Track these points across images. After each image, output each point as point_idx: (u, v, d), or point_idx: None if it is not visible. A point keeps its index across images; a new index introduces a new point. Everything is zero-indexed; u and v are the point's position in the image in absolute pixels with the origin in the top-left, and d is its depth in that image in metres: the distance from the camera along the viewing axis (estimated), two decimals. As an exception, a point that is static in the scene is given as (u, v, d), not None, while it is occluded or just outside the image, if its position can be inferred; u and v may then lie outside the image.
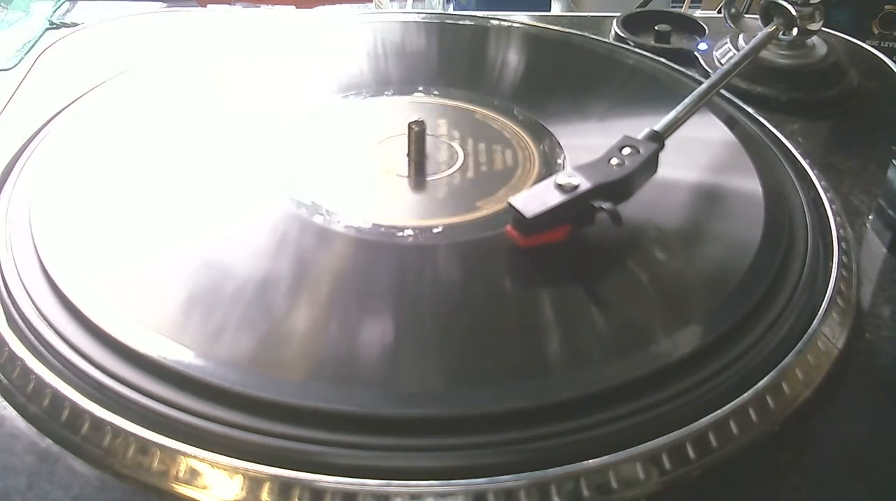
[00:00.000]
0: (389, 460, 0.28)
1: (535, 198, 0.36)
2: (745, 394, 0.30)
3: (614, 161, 0.38)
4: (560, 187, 0.36)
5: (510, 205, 0.36)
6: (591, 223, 0.37)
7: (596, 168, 0.37)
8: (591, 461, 0.28)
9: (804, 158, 0.44)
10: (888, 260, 0.39)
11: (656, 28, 0.57)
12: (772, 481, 0.29)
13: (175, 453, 0.28)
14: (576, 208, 0.36)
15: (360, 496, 0.27)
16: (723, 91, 0.48)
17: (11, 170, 0.41)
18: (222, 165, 0.41)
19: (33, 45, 0.68)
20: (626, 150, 0.38)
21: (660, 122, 0.40)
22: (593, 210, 0.36)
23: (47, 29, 0.72)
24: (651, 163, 0.39)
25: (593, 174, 0.37)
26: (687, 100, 0.42)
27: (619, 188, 0.37)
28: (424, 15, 0.60)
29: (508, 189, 0.40)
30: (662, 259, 0.37)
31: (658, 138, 0.39)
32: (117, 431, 0.28)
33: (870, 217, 0.42)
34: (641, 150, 0.38)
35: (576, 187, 0.36)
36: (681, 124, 0.41)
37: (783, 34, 0.51)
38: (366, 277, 0.35)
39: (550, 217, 0.35)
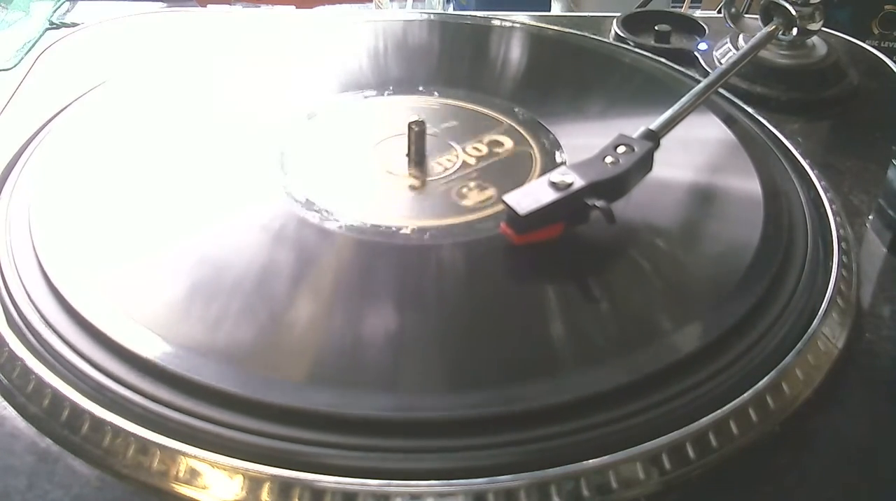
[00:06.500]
0: (389, 460, 0.28)
1: (529, 196, 0.36)
2: (745, 394, 0.30)
3: (609, 159, 0.38)
4: (554, 185, 0.36)
5: (504, 202, 0.36)
6: (586, 221, 0.37)
7: (590, 166, 0.37)
8: (591, 461, 0.28)
9: (804, 158, 0.44)
10: (888, 260, 0.39)
11: (656, 28, 0.57)
12: (772, 481, 0.29)
13: (175, 453, 0.28)
14: (570, 206, 0.36)
15: (360, 496, 0.27)
16: (722, 91, 0.48)
17: (11, 170, 0.41)
18: (221, 165, 0.41)
19: (33, 45, 0.69)
20: (621, 149, 0.38)
21: (655, 121, 0.40)
22: (587, 208, 0.36)
23: (47, 29, 0.72)
24: (646, 162, 0.39)
25: (587, 172, 0.37)
26: (684, 100, 0.42)
27: (612, 186, 0.37)
28: (424, 15, 0.60)
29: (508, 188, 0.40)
30: (662, 258, 0.37)
31: (653, 137, 0.39)
32: (117, 431, 0.28)
33: (870, 217, 0.42)
34: (636, 149, 0.38)
35: (569, 185, 0.36)
36: (677, 123, 0.41)
37: (783, 34, 0.51)
38: (365, 278, 0.35)
39: (544, 214, 0.35)
